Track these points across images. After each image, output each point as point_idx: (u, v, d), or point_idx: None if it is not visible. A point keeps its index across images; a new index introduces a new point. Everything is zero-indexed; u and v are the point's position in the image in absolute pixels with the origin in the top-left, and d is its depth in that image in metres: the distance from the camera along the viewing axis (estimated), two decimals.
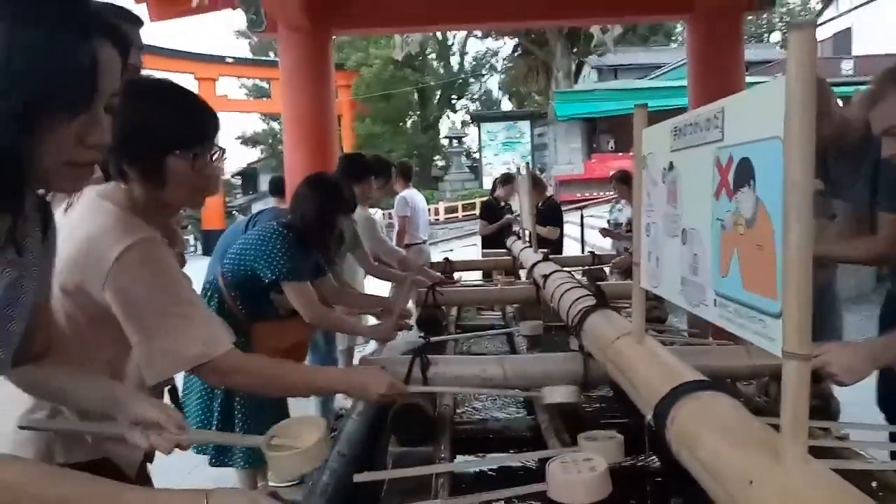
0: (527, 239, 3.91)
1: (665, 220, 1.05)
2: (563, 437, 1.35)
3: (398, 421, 1.48)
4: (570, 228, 10.38)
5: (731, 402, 0.88)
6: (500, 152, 22.26)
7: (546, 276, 2.32)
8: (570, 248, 7.79)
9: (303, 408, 3.06)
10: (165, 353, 1.11)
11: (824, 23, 21.84)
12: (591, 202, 14.42)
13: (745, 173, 0.75)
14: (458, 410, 1.72)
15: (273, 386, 1.33)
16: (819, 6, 22.74)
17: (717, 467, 0.74)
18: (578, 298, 1.72)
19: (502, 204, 6.06)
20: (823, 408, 1.49)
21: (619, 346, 1.25)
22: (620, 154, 19.83)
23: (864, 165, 1.93)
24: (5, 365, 0.88)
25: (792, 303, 0.63)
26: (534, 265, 2.72)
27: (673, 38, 29.51)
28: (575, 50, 23.30)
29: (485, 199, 6.94)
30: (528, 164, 3.51)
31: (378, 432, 1.84)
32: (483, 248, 5.76)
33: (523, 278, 4.02)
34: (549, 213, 5.43)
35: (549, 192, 6.54)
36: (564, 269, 2.51)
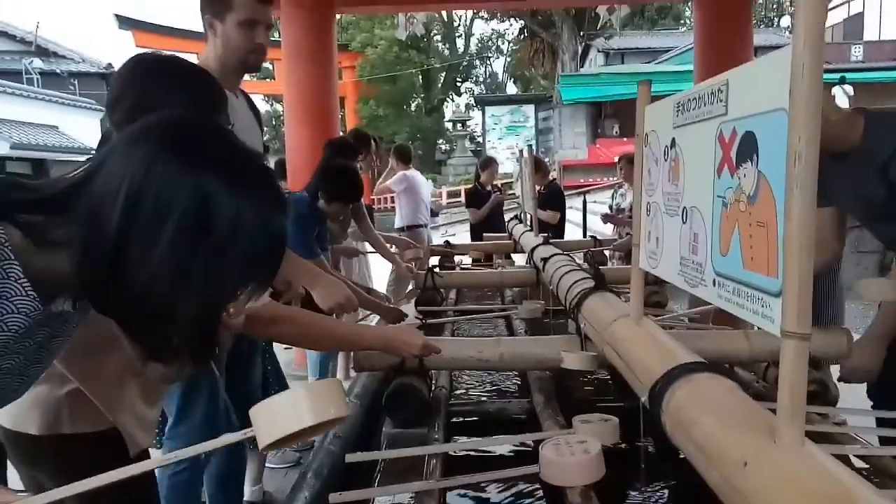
0: (528, 222, 3.89)
1: (666, 199, 1.03)
2: (558, 420, 1.33)
3: (394, 401, 1.47)
4: (573, 214, 10.34)
5: (727, 384, 0.86)
6: (505, 136, 22.13)
7: (546, 259, 2.30)
8: (572, 234, 7.76)
9: None
10: None
11: (834, 7, 21.54)
12: (594, 187, 14.34)
13: (748, 148, 0.72)
14: (455, 392, 1.71)
15: (314, 337, 1.33)
16: None
17: (711, 449, 0.72)
18: (577, 281, 1.69)
19: (487, 188, 6.01)
20: (822, 393, 1.47)
21: (616, 327, 1.23)
22: (625, 139, 19.67)
23: (870, 167, 1.67)
24: (20, 394, 0.86)
25: (792, 280, 0.61)
26: (534, 248, 2.69)
27: (682, 21, 29.17)
28: (581, 33, 23.06)
29: (470, 186, 6.87)
30: (530, 147, 3.46)
31: (374, 415, 1.84)
32: (472, 238, 5.67)
33: (522, 262, 4.01)
34: (551, 197, 5.39)
35: (552, 175, 6.49)
36: (565, 252, 2.49)
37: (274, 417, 0.70)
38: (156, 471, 1.42)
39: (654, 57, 22.40)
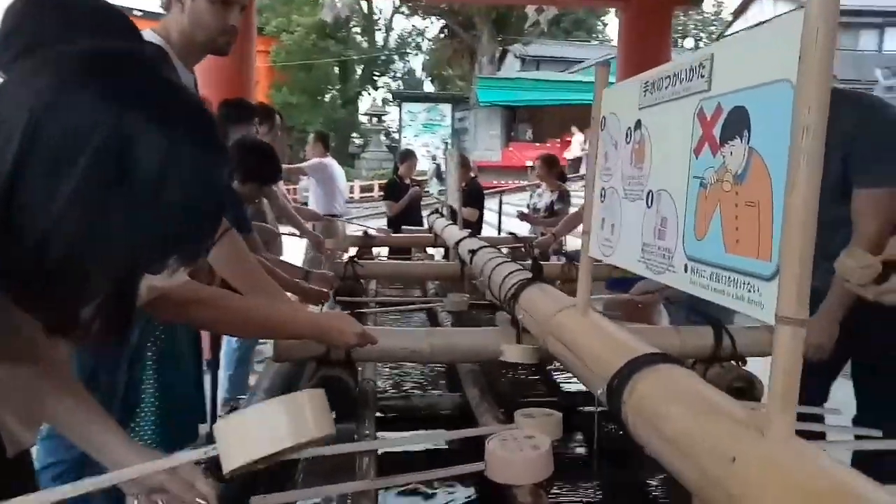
0: (449, 216, 3.84)
1: (627, 184, 0.98)
2: (496, 415, 1.27)
3: None
4: (488, 214, 10.44)
5: (690, 374, 0.82)
6: (421, 133, 22.10)
7: (474, 252, 2.24)
8: (487, 233, 7.82)
9: None
10: None
11: (735, 33, 23.08)
12: (508, 190, 14.59)
13: (737, 124, 0.68)
14: (381, 385, 1.61)
15: (241, 323, 1.16)
16: (731, 18, 24.03)
17: (687, 443, 0.68)
18: (512, 272, 1.65)
19: (406, 182, 5.94)
20: (748, 389, 1.49)
21: (561, 319, 1.18)
22: (538, 144, 20.20)
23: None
24: None
25: (792, 262, 0.57)
26: (459, 241, 2.64)
27: (594, 34, 30.28)
28: (500, 37, 23.43)
29: (388, 179, 6.77)
30: (457, 139, 3.41)
31: None
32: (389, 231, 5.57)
33: (438, 257, 3.95)
34: (471, 195, 5.39)
35: (473, 173, 6.49)
36: (492, 246, 2.45)
37: (244, 436, 0.58)
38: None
39: (567, 66, 23.12)
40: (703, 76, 0.75)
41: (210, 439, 0.63)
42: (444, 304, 2.28)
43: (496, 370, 1.72)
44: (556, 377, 1.77)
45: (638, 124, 0.95)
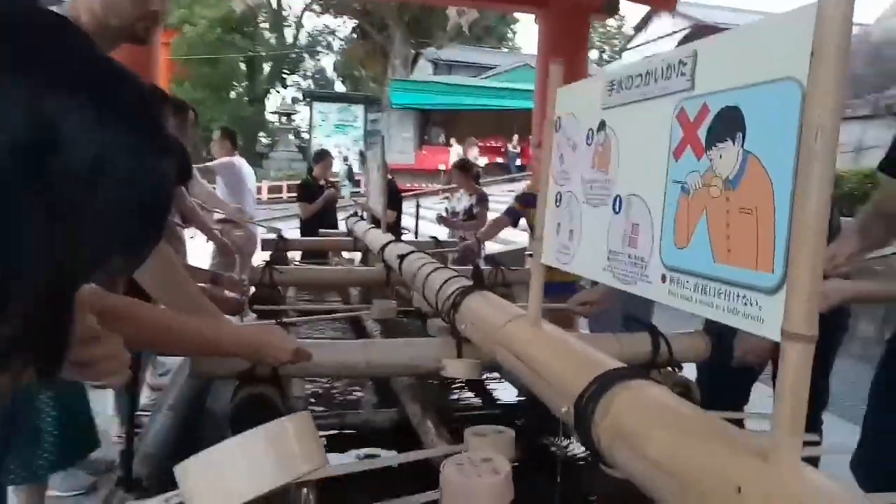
0: (370, 220, 3.73)
1: (588, 188, 0.93)
2: (442, 433, 1.19)
3: (243, 415, 1.22)
4: (403, 217, 10.35)
5: (666, 391, 0.78)
6: (332, 134, 21.72)
7: (403, 257, 2.16)
8: (405, 237, 7.73)
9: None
10: None
11: (635, 47, 24.27)
12: (423, 193, 14.58)
13: (728, 125, 0.63)
14: (312, 402, 1.49)
15: (163, 339, 1.00)
16: (632, 32, 25.23)
17: (680, 469, 0.62)
18: (449, 279, 1.57)
19: (320, 183, 5.78)
20: (687, 394, 1.49)
21: (511, 330, 1.12)
22: (451, 147, 20.35)
23: None
24: None
25: (803, 272, 0.53)
26: (385, 245, 2.54)
27: (504, 41, 30.91)
28: (413, 40, 23.42)
29: (302, 180, 6.55)
30: (382, 138, 3.29)
31: (192, 429, 1.57)
32: (302, 234, 5.35)
33: (357, 262, 3.83)
34: (389, 196, 5.30)
35: (389, 175, 6.38)
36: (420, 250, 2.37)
37: (218, 478, 0.46)
38: None
39: (479, 72, 23.47)
40: (684, 74, 0.71)
41: (172, 483, 0.51)
42: (370, 311, 2.17)
43: (430, 381, 1.64)
44: (492, 387, 1.71)
45: (601, 125, 0.90)
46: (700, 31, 19.84)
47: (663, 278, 0.74)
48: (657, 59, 0.77)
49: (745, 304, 0.60)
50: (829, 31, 0.51)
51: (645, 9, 18.24)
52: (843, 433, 1.98)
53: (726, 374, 1.94)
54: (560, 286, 3.31)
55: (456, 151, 17.66)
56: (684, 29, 21.15)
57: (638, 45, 24.28)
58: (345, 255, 4.01)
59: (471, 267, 2.99)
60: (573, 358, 0.93)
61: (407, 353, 1.39)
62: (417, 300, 2.18)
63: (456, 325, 1.39)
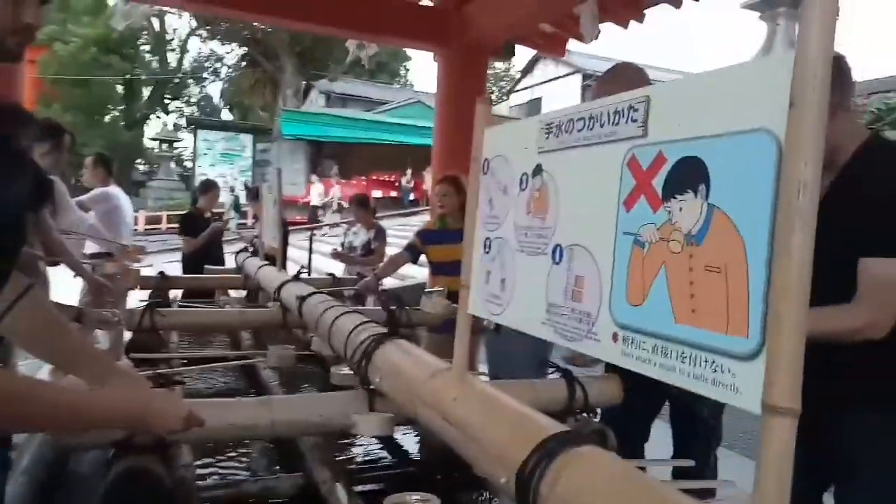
0: (263, 255, 3.52)
1: (522, 235, 0.88)
2: (355, 502, 1.07)
3: (121, 492, 1.04)
4: (295, 252, 10.01)
5: (617, 458, 0.72)
6: (218, 163, 20.84)
7: (303, 298, 2.01)
8: (295, 270, 7.46)
9: None
10: None
11: (521, 90, 25.40)
12: (316, 226, 14.27)
13: (688, 176, 0.60)
14: (203, 472, 1.31)
15: (16, 414, 0.80)
16: (518, 75, 26.40)
17: None
18: (359, 326, 1.47)
19: (206, 215, 5.47)
20: (601, 442, 1.46)
21: (436, 386, 1.03)
22: (344, 181, 20.13)
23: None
24: None
25: (786, 340, 0.49)
26: (282, 285, 2.37)
27: (397, 77, 31.30)
28: (305, 71, 23.15)
29: (185, 211, 6.18)
30: (279, 170, 3.12)
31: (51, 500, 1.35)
32: (185, 270, 4.97)
33: (233, 296, 3.59)
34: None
35: None
36: (320, 291, 2.23)
37: None
38: None
39: (372, 106, 23.55)
40: (635, 121, 0.67)
41: None
42: (266, 358, 2.00)
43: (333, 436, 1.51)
44: (402, 441, 1.60)
45: (538, 170, 0.85)
46: (585, 78, 21.16)
47: (615, 337, 0.68)
48: (602, 104, 0.73)
49: (716, 370, 0.56)
50: (810, 81, 0.48)
51: (531, 53, 19.17)
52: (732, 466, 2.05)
53: (628, 415, 1.95)
54: None
55: (316, 190, 17.62)
56: (568, 74, 22.45)
57: (524, 88, 25.44)
58: (232, 293, 3.76)
59: (375, 307, 2.87)
60: (508, 419, 0.85)
61: (314, 410, 1.26)
62: (317, 344, 2.04)
63: (368, 377, 1.28)
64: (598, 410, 1.70)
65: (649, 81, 1.93)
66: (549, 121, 0.82)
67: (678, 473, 1.79)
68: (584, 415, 1.52)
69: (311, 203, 17.75)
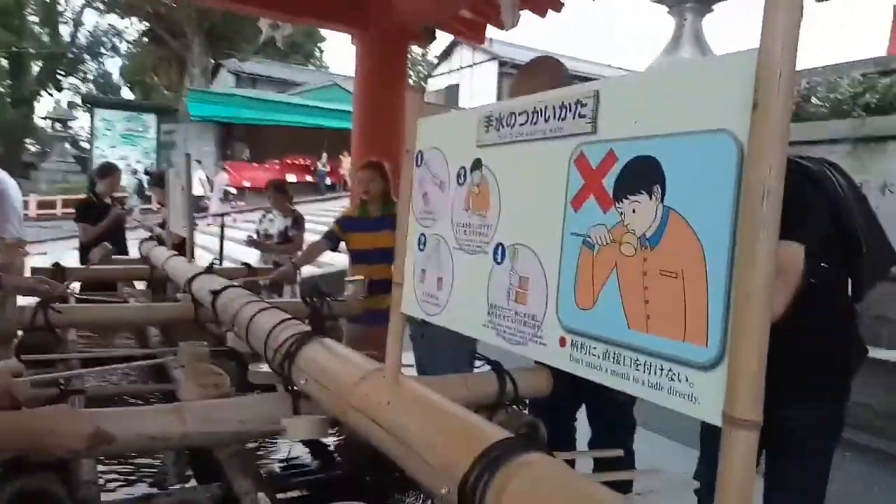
0: (170, 244, 3.31)
1: (461, 232, 0.83)
2: None
3: None
4: (202, 237, 9.56)
5: (562, 465, 0.70)
6: (119, 145, 19.57)
7: (217, 293, 1.90)
8: (205, 260, 7.11)
9: None
10: None
11: (438, 75, 25.35)
12: (227, 212, 13.73)
13: (643, 177, 0.57)
14: (107, 485, 1.20)
15: None
16: (435, 61, 26.29)
17: None
18: (280, 323, 1.39)
19: (106, 200, 5.12)
20: (533, 435, 1.46)
21: (367, 390, 0.97)
22: (256, 164, 19.43)
23: None
24: None
25: (747, 351, 0.47)
26: (193, 277, 2.23)
27: (311, 59, 30.45)
28: (214, 50, 22.06)
29: (83, 196, 5.76)
30: (188, 156, 2.92)
31: None
32: (82, 259, 4.61)
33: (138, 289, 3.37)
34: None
35: None
36: (237, 284, 2.12)
37: None
38: None
39: (286, 88, 22.80)
40: (583, 116, 0.64)
41: None
42: (177, 357, 1.87)
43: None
44: (327, 442, 1.53)
45: (477, 164, 0.81)
46: (502, 65, 21.37)
47: (562, 341, 0.66)
48: (546, 98, 0.69)
49: (672, 378, 0.54)
50: (774, 81, 0.46)
51: (449, 38, 19.15)
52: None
53: (553, 406, 1.97)
54: (385, 313, 3.22)
55: (198, 176, 16.63)
56: (485, 61, 22.60)
57: (441, 74, 25.40)
58: (137, 285, 3.52)
59: (295, 300, 2.77)
60: (447, 425, 0.82)
61: (234, 415, 1.18)
62: (233, 340, 1.93)
63: (292, 379, 1.21)
64: (527, 401, 1.71)
65: (569, 75, 1.94)
66: (488, 113, 0.78)
67: (600, 460, 1.82)
68: (515, 407, 1.51)
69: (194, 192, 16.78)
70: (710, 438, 1.79)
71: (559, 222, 0.66)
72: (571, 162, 0.65)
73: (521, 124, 0.73)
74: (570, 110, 0.66)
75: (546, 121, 0.69)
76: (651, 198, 0.56)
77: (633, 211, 0.58)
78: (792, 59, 0.46)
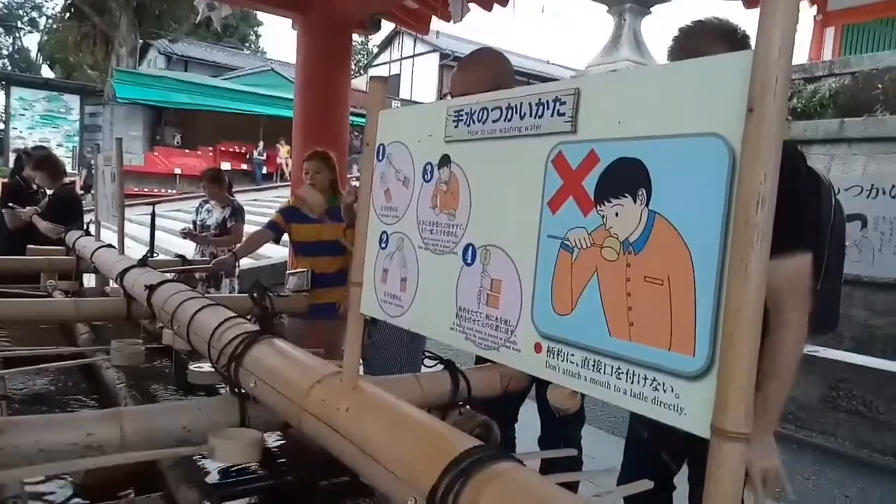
0: (99, 235, 3.13)
1: (427, 231, 0.80)
2: None
3: None
4: (132, 227, 9.14)
5: (539, 477, 0.68)
6: (38, 126, 18.45)
7: (153, 288, 1.79)
8: (135, 251, 6.78)
9: None
10: None
11: (378, 64, 25.09)
12: (159, 199, 13.17)
13: (625, 179, 0.55)
14: (35, 497, 1.10)
15: None
16: (375, 50, 26.01)
17: None
18: (225, 322, 1.32)
19: (34, 186, 4.82)
20: (487, 435, 1.45)
21: (323, 395, 0.93)
22: (188, 150, 18.71)
23: None
24: None
25: (739, 362, 0.46)
26: (126, 271, 2.11)
27: (247, 43, 29.52)
28: (142, 29, 21.03)
29: (6, 180, 5.41)
30: (119, 140, 2.75)
31: None
32: (3, 250, 4.27)
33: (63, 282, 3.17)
34: (62, 206, 4.46)
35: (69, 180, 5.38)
36: (174, 279, 2.02)
37: None
38: None
39: (219, 72, 22.03)
40: (562, 114, 0.62)
41: None
42: (110, 356, 1.76)
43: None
44: (276, 444, 1.47)
45: (445, 160, 0.77)
46: (443, 57, 21.31)
47: (537, 347, 0.64)
48: (523, 93, 0.67)
49: (656, 389, 0.52)
50: (770, 84, 0.44)
51: (390, 27, 18.93)
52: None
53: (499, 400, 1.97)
54: (328, 307, 3.15)
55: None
56: (426, 52, 22.50)
57: (382, 63, 25.15)
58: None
59: (238, 294, 2.67)
60: (411, 432, 0.79)
61: (177, 421, 1.11)
62: (169, 337, 1.84)
63: (240, 381, 1.15)
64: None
65: (512, 69, 1.92)
66: (457, 107, 0.75)
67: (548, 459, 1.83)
68: (467, 407, 1.49)
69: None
70: (632, 449, 1.80)
71: (535, 224, 0.64)
72: (549, 162, 0.63)
73: (494, 120, 0.70)
74: (548, 108, 0.63)
75: (521, 118, 0.66)
76: (635, 201, 0.54)
77: (616, 214, 0.56)
78: (788, 64, 0.45)
